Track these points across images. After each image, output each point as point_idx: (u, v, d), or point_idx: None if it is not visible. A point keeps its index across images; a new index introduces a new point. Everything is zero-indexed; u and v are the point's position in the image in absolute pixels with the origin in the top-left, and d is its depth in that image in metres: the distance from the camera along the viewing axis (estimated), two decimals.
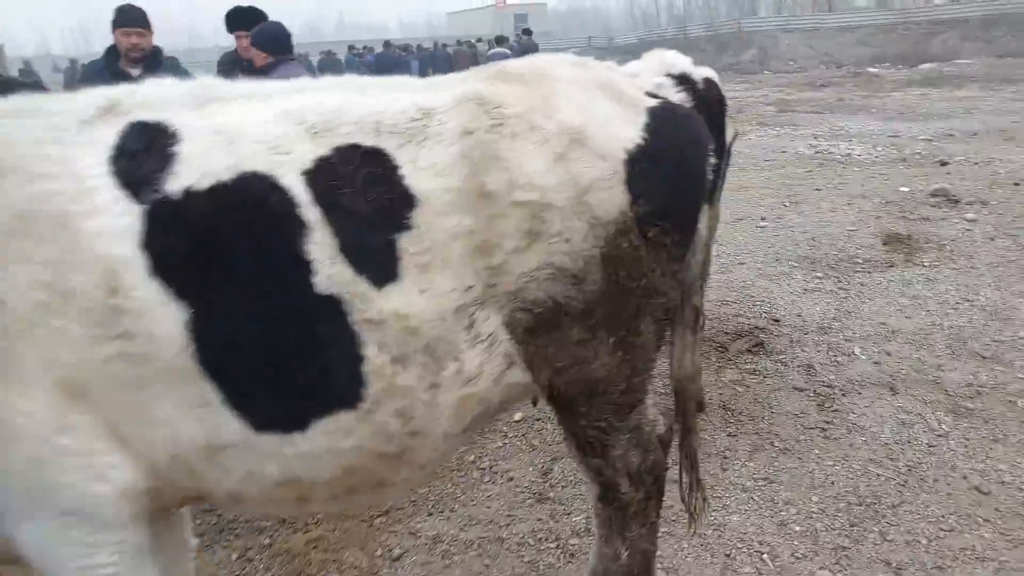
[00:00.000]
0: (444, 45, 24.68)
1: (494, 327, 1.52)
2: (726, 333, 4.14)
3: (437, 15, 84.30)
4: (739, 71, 29.29)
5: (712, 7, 48.75)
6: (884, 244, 5.59)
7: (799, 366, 3.72)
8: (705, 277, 2.84)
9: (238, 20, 4.48)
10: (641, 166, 1.54)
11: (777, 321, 4.29)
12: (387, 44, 20.89)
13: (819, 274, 5.08)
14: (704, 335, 4.09)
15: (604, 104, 1.59)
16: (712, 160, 1.78)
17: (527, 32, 18.67)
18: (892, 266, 5.17)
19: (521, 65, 1.68)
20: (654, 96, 1.70)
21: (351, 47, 22.30)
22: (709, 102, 2.64)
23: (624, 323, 1.64)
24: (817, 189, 7.68)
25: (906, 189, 7.34)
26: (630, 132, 1.56)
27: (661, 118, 1.61)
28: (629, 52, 38.02)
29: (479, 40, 24.06)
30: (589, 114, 1.55)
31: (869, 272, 5.06)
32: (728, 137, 2.82)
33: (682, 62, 2.71)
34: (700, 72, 2.76)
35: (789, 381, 3.57)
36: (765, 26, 35.18)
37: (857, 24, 34.32)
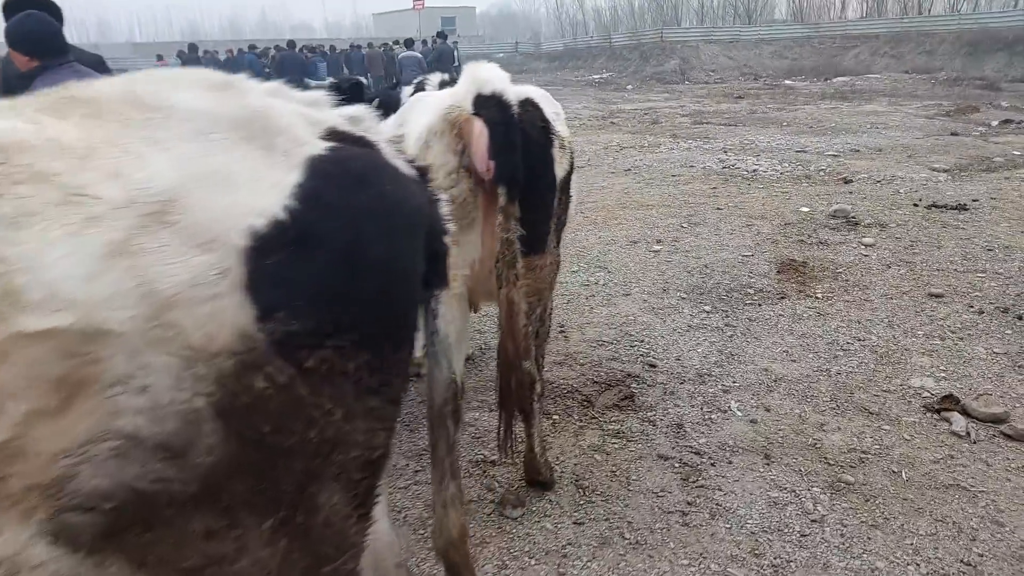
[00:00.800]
0: (358, 47, 23.77)
1: (17, 547, 0.89)
2: (595, 382, 3.65)
3: (363, 16, 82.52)
4: (662, 80, 29.56)
5: (638, 16, 49.41)
6: (778, 272, 5.27)
7: (669, 426, 3.25)
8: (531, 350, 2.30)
9: (16, 11, 3.69)
10: (277, 258, 0.96)
11: (653, 367, 3.82)
12: (291, 44, 19.78)
13: (707, 307, 4.68)
14: (570, 386, 3.59)
15: (232, 154, 1.00)
16: (438, 230, 1.23)
17: (441, 35, 18.06)
18: (784, 298, 4.82)
19: (113, 86, 1.07)
20: (338, 136, 1.12)
21: (252, 46, 21.11)
22: (527, 129, 2.15)
23: (285, 499, 1.05)
24: (718, 208, 7.38)
25: (806, 209, 7.12)
26: (262, 201, 0.97)
27: (325, 175, 1.02)
28: (555, 59, 38.17)
29: (396, 42, 23.25)
30: (190, 172, 0.95)
31: (759, 305, 4.69)
32: (559, 172, 2.32)
33: (497, 80, 2.21)
34: (519, 92, 2.24)
35: (655, 447, 3.09)
36: (687, 36, 35.70)
37: (774, 37, 35.30)
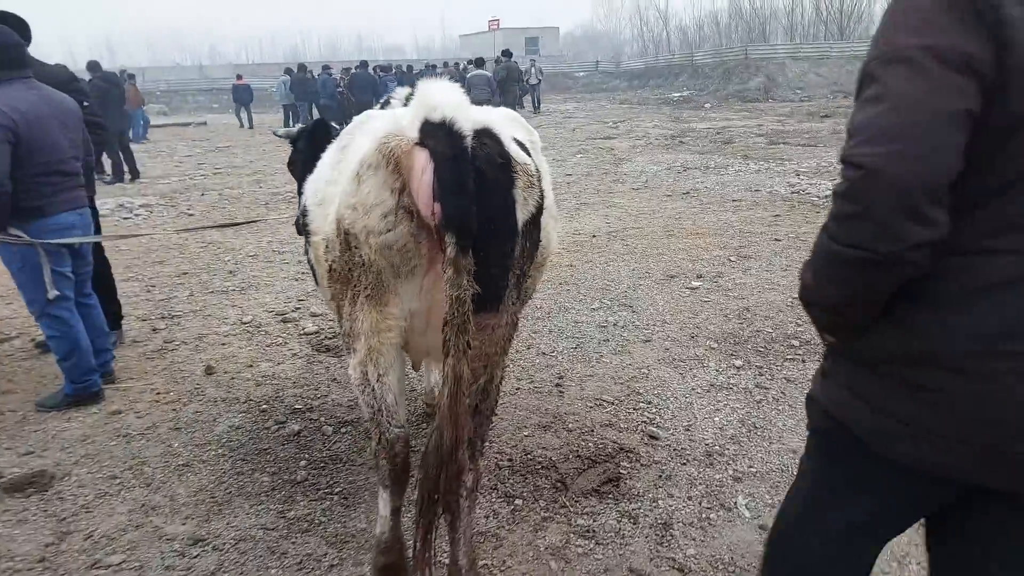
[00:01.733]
0: (433, 66, 23.94)
1: None
2: (578, 456, 3.01)
3: (451, 38, 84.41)
4: (744, 99, 28.25)
5: (724, 33, 47.82)
6: None
7: (653, 525, 2.57)
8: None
9: None
10: None
11: (655, 439, 3.14)
12: (363, 64, 20.02)
13: (739, 361, 3.93)
14: (548, 459, 2.97)
15: None
16: None
17: (507, 54, 17.78)
18: None
19: None
20: None
21: (325, 67, 21.54)
22: (483, 166, 1.74)
23: None
24: (776, 239, 6.54)
25: None
26: None
27: None
28: (635, 77, 37.43)
29: (469, 62, 23.23)
30: None
31: (803, 361, 3.90)
32: (522, 215, 1.86)
33: (449, 103, 1.78)
34: (477, 119, 1.80)
35: (628, 555, 2.42)
36: (773, 53, 34.12)
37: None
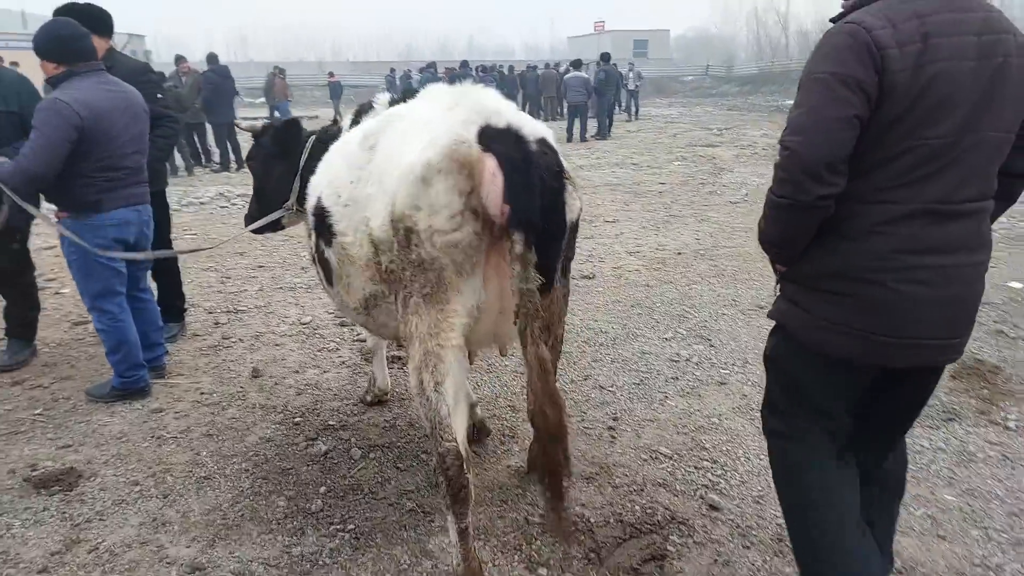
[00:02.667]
0: (534, 67, 23.77)
1: None
2: (621, 521, 2.61)
3: (560, 40, 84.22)
4: None
5: None
6: (952, 377, 3.78)
7: None
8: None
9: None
10: None
11: (716, 509, 2.70)
12: (463, 64, 20.09)
13: None
14: (585, 519, 2.61)
15: None
16: None
17: (605, 58, 17.27)
18: (953, 419, 3.39)
19: None
20: None
21: (431, 64, 21.73)
22: (543, 173, 1.87)
23: None
24: None
25: (1018, 285, 5.33)
26: None
27: None
28: (747, 82, 35.78)
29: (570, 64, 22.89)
30: None
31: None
32: (569, 216, 2.04)
33: (508, 111, 2.01)
34: (534, 129, 2.00)
35: None
36: None
37: None
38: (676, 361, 4.09)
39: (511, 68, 25.56)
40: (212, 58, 12.89)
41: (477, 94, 2.09)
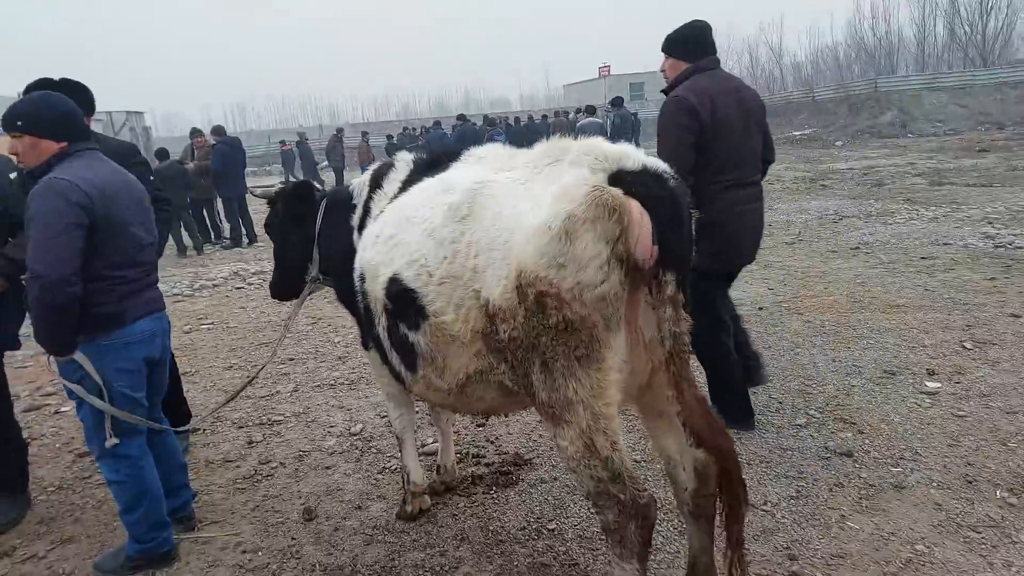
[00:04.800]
0: (544, 116, 23.51)
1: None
2: None
3: (555, 88, 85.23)
4: (877, 135, 25.91)
5: (844, 66, 44.91)
6: None
7: None
8: None
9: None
10: None
11: None
12: (461, 117, 19.76)
13: None
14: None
15: None
16: None
17: (616, 101, 16.88)
18: None
19: None
20: None
21: (436, 123, 21.47)
22: (687, 208, 1.92)
23: None
24: (1014, 315, 5.02)
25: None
26: None
27: None
28: None
29: (578, 111, 22.60)
30: None
31: None
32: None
33: (635, 152, 1.93)
34: (665, 166, 1.95)
35: None
36: (906, 85, 31.34)
37: (1020, 79, 29.79)
38: (827, 457, 3.28)
39: (517, 119, 25.33)
40: (219, 130, 12.43)
41: (586, 144, 1.98)
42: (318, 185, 3.38)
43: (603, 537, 2.75)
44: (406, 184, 2.56)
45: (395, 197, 2.54)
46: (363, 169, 3.06)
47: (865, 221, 9.50)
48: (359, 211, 2.81)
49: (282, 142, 26.42)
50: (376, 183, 2.73)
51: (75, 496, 3.48)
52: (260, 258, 10.50)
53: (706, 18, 3.48)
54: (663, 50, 3.49)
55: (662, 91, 3.48)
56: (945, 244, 7.62)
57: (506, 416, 3.81)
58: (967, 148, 18.59)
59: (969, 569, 2.46)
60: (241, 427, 4.15)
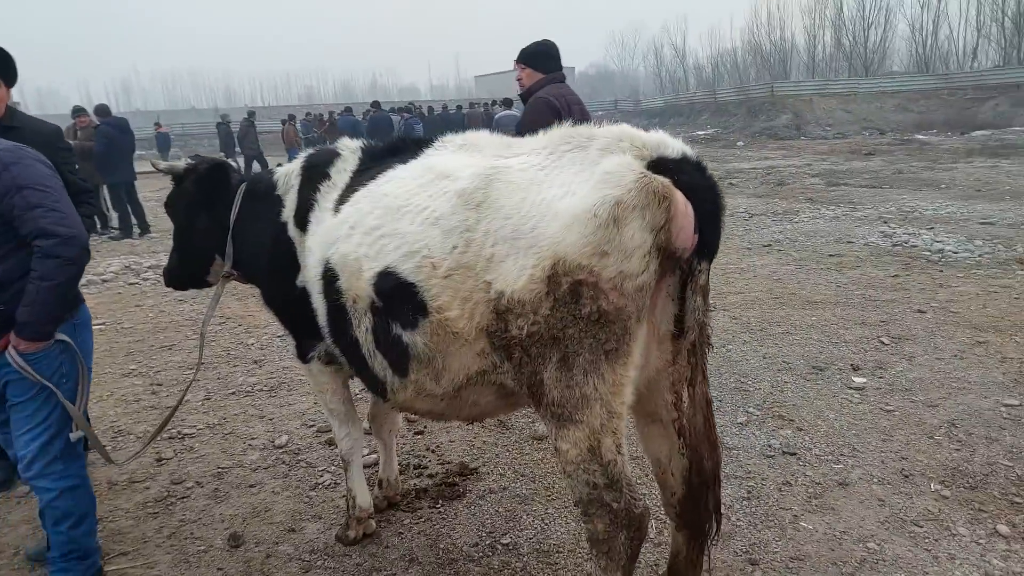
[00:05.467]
0: (459, 107, 23.21)
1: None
2: None
3: (466, 79, 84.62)
4: (774, 136, 27.39)
5: (742, 70, 47.22)
6: None
7: None
8: None
9: None
10: None
11: None
12: (375, 104, 19.21)
13: (1002, 525, 2.70)
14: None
15: None
16: None
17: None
18: None
19: None
20: None
21: (347, 108, 20.73)
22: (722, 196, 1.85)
23: None
24: (919, 311, 5.32)
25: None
26: None
27: None
28: (655, 115, 36.70)
29: (494, 103, 22.46)
30: None
31: None
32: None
33: (672, 140, 1.87)
34: (698, 155, 1.87)
35: None
36: (799, 90, 33.32)
37: (897, 89, 32.42)
38: (771, 455, 3.31)
39: (431, 109, 24.86)
40: (103, 109, 11.34)
41: (618, 130, 1.89)
42: (234, 166, 3.02)
43: (561, 550, 2.63)
44: (361, 173, 2.31)
45: (349, 187, 2.30)
46: (291, 155, 2.81)
47: (773, 219, 9.93)
48: (292, 203, 2.53)
49: (156, 123, 24.71)
50: (317, 173, 2.46)
51: None
52: (155, 250, 9.70)
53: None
54: (520, 61, 3.99)
55: (519, 95, 4.07)
56: (849, 242, 8.05)
57: (471, 423, 3.61)
58: (855, 151, 19.96)
59: (918, 564, 2.52)
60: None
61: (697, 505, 1.95)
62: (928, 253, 7.27)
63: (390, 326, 2.05)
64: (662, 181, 1.69)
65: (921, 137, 24.17)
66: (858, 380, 4.10)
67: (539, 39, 4.02)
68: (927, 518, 2.78)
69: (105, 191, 11.29)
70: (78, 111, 11.47)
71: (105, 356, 5.24)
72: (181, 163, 2.94)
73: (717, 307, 5.72)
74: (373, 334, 2.13)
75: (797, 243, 8.20)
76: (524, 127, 3.51)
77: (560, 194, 1.77)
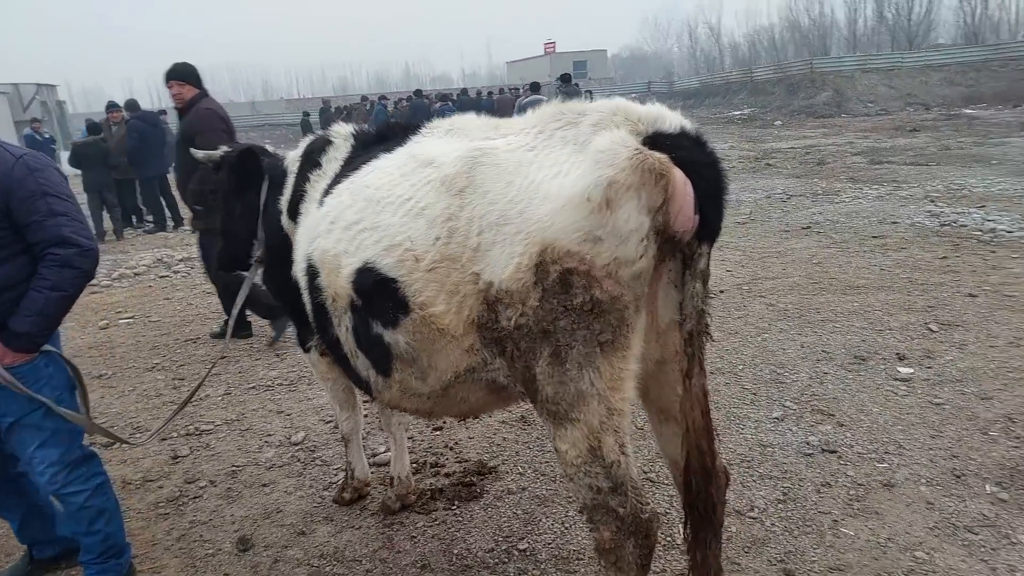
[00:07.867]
0: (489, 92, 23.01)
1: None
2: None
3: (498, 65, 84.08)
4: (813, 115, 26.48)
5: (780, 48, 45.80)
6: None
7: None
8: None
9: None
10: None
11: None
12: (418, 92, 19.15)
13: None
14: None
15: None
16: None
17: (565, 78, 16.57)
18: None
19: None
20: None
21: (382, 97, 20.74)
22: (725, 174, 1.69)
23: None
24: (971, 295, 4.99)
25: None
26: None
27: None
28: (690, 96, 35.87)
29: (524, 87, 22.21)
30: None
31: None
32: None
33: (670, 114, 1.69)
34: (698, 129, 1.71)
35: None
36: (840, 66, 32.15)
37: (943, 62, 31.03)
38: (809, 454, 3.09)
39: (464, 91, 24.75)
40: (132, 104, 11.46)
41: (611, 103, 1.73)
42: (269, 150, 2.96)
43: (581, 557, 2.48)
44: (350, 162, 2.18)
45: (337, 177, 2.17)
46: None
47: (813, 200, 9.53)
48: (288, 193, 2.45)
49: (161, 111, 25.36)
50: (310, 161, 2.36)
51: None
52: (187, 243, 9.77)
53: None
54: (176, 78, 4.84)
55: (176, 108, 4.95)
56: (893, 223, 7.65)
57: (476, 418, 3.49)
58: (899, 128, 19.15)
59: (957, 571, 2.29)
60: (164, 439, 3.68)
61: (702, 501, 1.81)
62: (979, 233, 6.85)
63: (371, 325, 1.93)
64: (659, 157, 1.55)
65: (969, 111, 23.09)
66: (904, 371, 3.83)
67: (187, 60, 5.02)
68: (982, 524, 2.55)
69: (137, 186, 11.45)
70: (111, 106, 11.63)
71: (131, 350, 5.26)
72: (218, 152, 2.96)
73: (754, 293, 5.47)
74: (354, 333, 2.02)
75: (838, 225, 7.83)
76: (200, 133, 4.39)
77: (549, 175, 1.62)
